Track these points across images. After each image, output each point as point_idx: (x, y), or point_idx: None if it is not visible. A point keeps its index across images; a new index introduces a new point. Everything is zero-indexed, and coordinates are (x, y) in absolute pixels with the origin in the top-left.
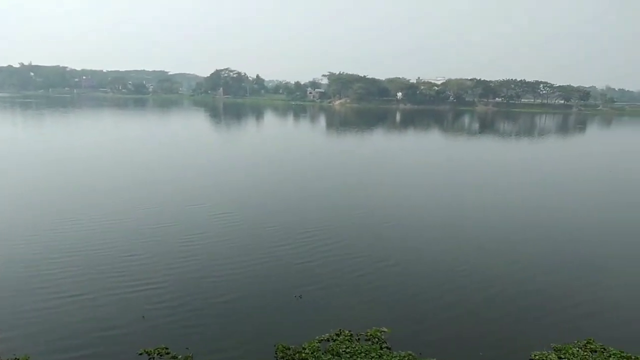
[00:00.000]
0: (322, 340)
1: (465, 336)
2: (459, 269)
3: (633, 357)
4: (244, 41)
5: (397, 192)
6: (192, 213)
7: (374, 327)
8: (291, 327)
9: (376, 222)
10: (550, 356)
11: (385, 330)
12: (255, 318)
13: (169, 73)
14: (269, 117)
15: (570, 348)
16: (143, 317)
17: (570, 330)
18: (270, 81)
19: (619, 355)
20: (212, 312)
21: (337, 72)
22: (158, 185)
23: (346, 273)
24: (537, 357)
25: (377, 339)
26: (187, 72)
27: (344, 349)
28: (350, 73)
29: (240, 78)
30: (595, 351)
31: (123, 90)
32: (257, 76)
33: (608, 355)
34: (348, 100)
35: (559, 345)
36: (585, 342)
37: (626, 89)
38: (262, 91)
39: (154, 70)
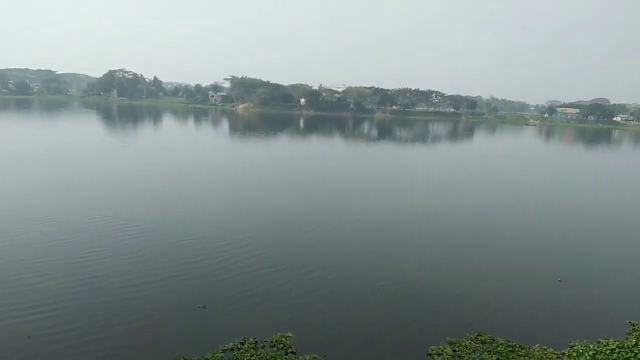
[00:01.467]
0: (225, 350)
1: (368, 336)
2: (361, 272)
3: (517, 345)
4: (141, 41)
5: (312, 198)
6: (92, 226)
7: (279, 333)
8: (194, 339)
9: (291, 230)
10: (445, 349)
11: (290, 335)
12: (155, 333)
13: (57, 72)
14: (169, 121)
15: (463, 341)
16: (29, 337)
17: (463, 324)
18: (169, 83)
19: (505, 345)
20: (108, 332)
21: (240, 76)
22: (50, 195)
23: (253, 280)
24: (433, 351)
25: (282, 345)
26: (78, 72)
27: (248, 357)
28: (254, 77)
29: (137, 79)
30: (485, 342)
31: (3, 90)
32: (155, 78)
33: (496, 345)
34: (252, 105)
35: (453, 339)
36: (477, 334)
37: (507, 99)
38: (160, 93)
39: (39, 69)
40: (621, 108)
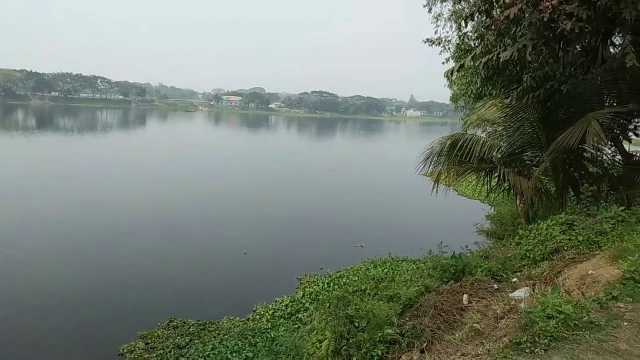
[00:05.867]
0: None
1: (53, 353)
2: (40, 285)
3: (207, 322)
4: None
5: None
6: None
7: None
8: None
9: None
10: (137, 344)
11: None
12: None
13: None
14: None
15: (155, 331)
16: None
17: (155, 315)
18: None
19: (196, 325)
20: None
21: None
22: None
23: None
24: (125, 349)
25: None
26: None
27: None
28: None
29: None
30: (177, 327)
31: None
32: None
33: (188, 327)
34: None
35: (145, 332)
36: (168, 321)
37: (176, 87)
38: None
39: None
40: (275, 96)
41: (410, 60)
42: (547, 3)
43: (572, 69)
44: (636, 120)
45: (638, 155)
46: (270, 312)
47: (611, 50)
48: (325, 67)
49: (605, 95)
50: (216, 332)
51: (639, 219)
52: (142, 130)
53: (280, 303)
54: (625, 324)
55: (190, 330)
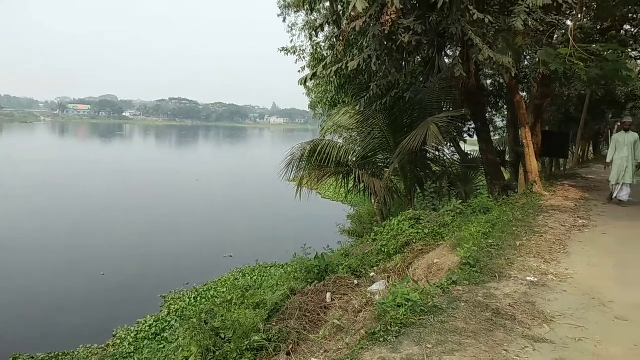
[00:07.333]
0: None
1: None
2: None
3: (60, 354)
4: None
5: None
6: None
7: None
8: None
9: None
10: None
11: None
12: None
13: None
14: None
15: None
16: None
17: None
18: None
19: (47, 359)
20: None
21: None
22: None
23: None
24: None
25: None
26: None
27: None
28: None
29: None
30: None
31: None
32: None
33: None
34: None
35: None
36: (12, 359)
37: (13, 95)
38: None
39: None
40: (129, 104)
41: (272, 69)
42: (387, 17)
43: (414, 78)
44: (470, 123)
45: (472, 154)
46: (132, 334)
47: (446, 60)
48: (184, 74)
49: (443, 101)
50: None
51: (474, 210)
52: None
53: (144, 324)
54: (463, 304)
55: None
